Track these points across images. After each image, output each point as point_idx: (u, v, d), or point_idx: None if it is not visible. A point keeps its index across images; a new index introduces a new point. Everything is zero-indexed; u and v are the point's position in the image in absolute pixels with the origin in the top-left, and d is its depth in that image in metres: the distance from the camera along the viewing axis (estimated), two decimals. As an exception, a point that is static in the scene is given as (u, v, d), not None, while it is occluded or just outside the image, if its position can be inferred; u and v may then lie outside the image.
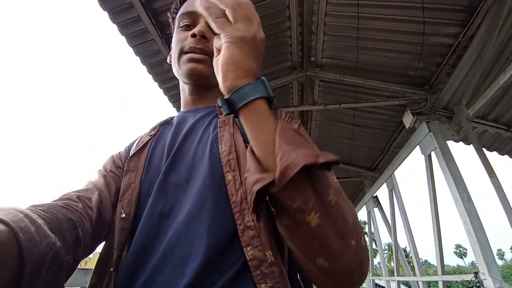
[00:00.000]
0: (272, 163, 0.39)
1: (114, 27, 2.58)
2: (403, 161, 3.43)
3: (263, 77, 0.46)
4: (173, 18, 0.79)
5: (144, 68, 2.99)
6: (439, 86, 2.90)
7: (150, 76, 3.06)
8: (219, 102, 0.46)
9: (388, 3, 2.48)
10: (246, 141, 0.58)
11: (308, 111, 3.93)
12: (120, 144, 3.59)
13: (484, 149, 3.19)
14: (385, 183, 4.25)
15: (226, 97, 0.44)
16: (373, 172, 5.09)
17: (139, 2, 2.41)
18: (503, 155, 3.24)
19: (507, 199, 2.42)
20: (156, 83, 3.15)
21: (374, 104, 3.09)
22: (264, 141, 0.42)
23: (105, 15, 2.48)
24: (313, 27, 2.95)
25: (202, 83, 0.71)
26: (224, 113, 0.45)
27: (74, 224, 0.48)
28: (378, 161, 4.75)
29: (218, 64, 0.45)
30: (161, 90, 3.21)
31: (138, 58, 2.90)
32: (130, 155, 0.65)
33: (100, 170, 0.68)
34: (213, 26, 0.46)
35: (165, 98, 3.31)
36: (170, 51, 0.81)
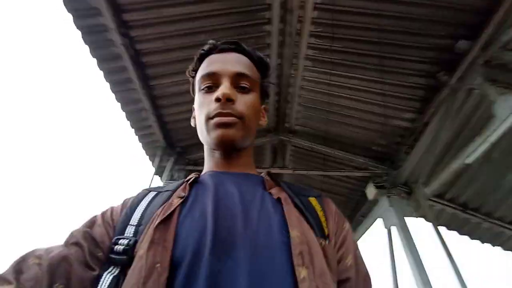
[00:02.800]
0: None
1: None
2: (365, 231, 3.25)
3: None
4: (192, 77, 0.71)
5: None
6: (399, 163, 2.91)
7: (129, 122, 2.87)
8: None
9: (354, 86, 2.59)
10: (318, 235, 0.49)
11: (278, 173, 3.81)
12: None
13: (443, 227, 3.12)
14: (348, 250, 3.99)
15: None
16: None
17: (127, 54, 2.34)
18: (462, 235, 3.16)
19: (464, 282, 2.24)
20: (132, 130, 2.94)
21: (341, 173, 3.03)
22: None
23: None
24: (288, 97, 2.99)
25: (233, 147, 0.61)
26: None
27: None
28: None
29: None
30: (136, 136, 2.99)
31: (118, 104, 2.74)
32: (158, 221, 0.45)
33: (67, 238, 0.49)
34: None
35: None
36: (193, 111, 0.71)
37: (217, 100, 0.57)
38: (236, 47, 0.67)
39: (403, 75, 2.41)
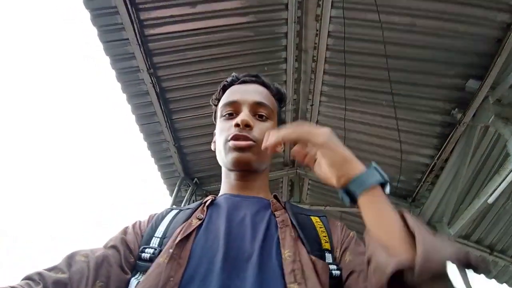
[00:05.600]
0: (399, 247, 0.41)
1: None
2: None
3: (373, 162, 0.53)
4: (215, 105, 0.85)
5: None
6: (422, 200, 3.08)
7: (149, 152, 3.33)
8: (340, 196, 0.53)
9: (369, 121, 2.91)
10: (310, 252, 0.57)
11: (297, 206, 4.04)
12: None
13: (470, 270, 3.15)
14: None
15: (345, 188, 0.51)
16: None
17: (154, 91, 2.84)
18: (490, 279, 3.16)
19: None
20: (152, 159, 3.39)
21: (358, 210, 3.21)
22: (388, 224, 0.45)
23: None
24: (305, 131, 3.34)
25: (248, 169, 0.73)
26: (347, 204, 0.52)
27: None
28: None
29: (325, 170, 0.54)
30: (156, 166, 3.43)
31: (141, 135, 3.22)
32: (179, 239, 0.56)
33: (106, 242, 0.62)
34: (299, 138, 0.57)
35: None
36: (214, 137, 0.84)
37: (236, 125, 0.69)
38: (256, 79, 0.82)
39: (418, 112, 2.70)
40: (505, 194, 2.34)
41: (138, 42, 2.52)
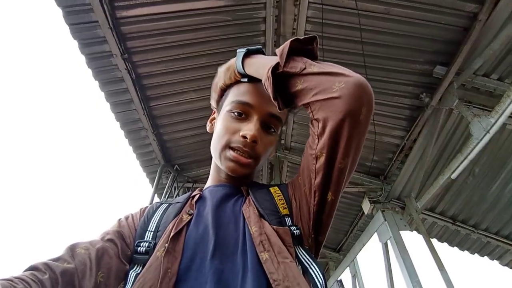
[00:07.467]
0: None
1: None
2: (363, 247, 3.59)
3: (238, 49, 0.74)
4: (224, 90, 0.81)
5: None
6: (392, 178, 3.30)
7: (127, 140, 3.23)
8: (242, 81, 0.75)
9: (346, 105, 2.99)
10: (270, 223, 0.62)
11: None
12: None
13: (435, 240, 3.49)
14: (348, 268, 4.30)
15: (239, 75, 0.74)
16: (337, 254, 5.14)
17: (129, 77, 2.72)
18: (452, 246, 3.53)
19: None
20: (131, 148, 3.29)
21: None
22: (264, 62, 0.66)
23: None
24: (284, 115, 3.38)
25: (241, 176, 0.74)
26: (246, 80, 0.73)
27: None
28: (342, 243, 4.87)
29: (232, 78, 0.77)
30: (134, 154, 3.34)
31: (117, 123, 3.10)
32: (172, 234, 0.60)
33: (102, 235, 0.63)
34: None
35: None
36: (212, 114, 0.86)
37: (243, 137, 0.69)
38: None
39: (390, 95, 2.83)
40: (466, 171, 2.56)
41: (109, 25, 2.38)
